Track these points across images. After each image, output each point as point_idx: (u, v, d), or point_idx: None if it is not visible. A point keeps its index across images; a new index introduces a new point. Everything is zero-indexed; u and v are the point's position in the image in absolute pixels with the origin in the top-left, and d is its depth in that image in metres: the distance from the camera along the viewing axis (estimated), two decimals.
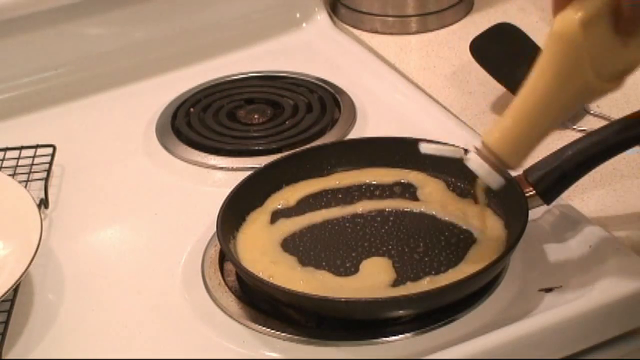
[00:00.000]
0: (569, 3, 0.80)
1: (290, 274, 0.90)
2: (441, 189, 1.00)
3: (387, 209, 0.98)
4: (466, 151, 0.88)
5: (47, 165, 1.09)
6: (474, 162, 0.86)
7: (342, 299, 0.86)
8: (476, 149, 0.86)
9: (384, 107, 1.19)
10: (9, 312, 0.90)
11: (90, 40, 1.28)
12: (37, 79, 1.26)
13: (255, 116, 1.19)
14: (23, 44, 1.24)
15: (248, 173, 1.01)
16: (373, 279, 0.89)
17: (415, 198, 1.00)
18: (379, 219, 0.97)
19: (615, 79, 0.83)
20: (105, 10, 1.27)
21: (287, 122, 1.17)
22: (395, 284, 0.89)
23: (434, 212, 0.97)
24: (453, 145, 0.93)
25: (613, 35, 0.81)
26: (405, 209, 0.98)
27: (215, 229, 0.93)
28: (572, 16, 0.79)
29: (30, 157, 1.11)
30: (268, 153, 1.11)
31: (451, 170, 1.00)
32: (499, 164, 0.86)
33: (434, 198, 0.99)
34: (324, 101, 1.20)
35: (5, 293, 0.87)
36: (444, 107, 1.16)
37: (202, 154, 1.12)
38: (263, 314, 0.89)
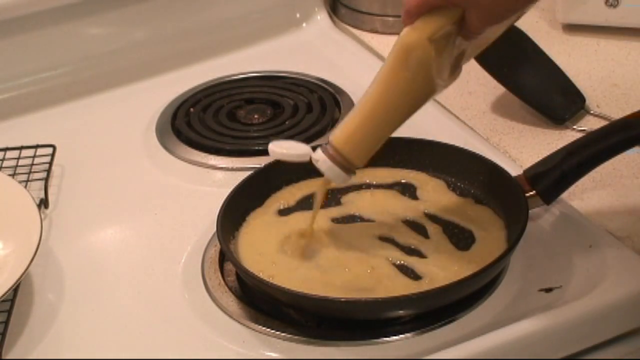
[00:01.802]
0: (417, 18, 0.83)
1: (290, 274, 0.90)
2: (441, 189, 1.00)
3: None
4: (314, 148, 0.90)
5: (47, 165, 1.09)
6: (322, 163, 0.88)
7: (342, 299, 0.86)
8: (322, 146, 0.88)
9: None
10: (9, 312, 0.90)
11: (90, 40, 1.28)
12: (37, 79, 1.26)
13: (255, 116, 1.19)
14: (23, 44, 1.24)
15: (248, 173, 1.01)
16: (373, 278, 0.89)
17: (415, 198, 1.00)
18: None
19: (453, 74, 0.87)
20: (105, 10, 1.27)
21: (287, 122, 1.17)
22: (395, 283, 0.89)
23: (434, 212, 0.97)
24: (302, 145, 0.93)
25: (454, 40, 0.84)
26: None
27: (215, 229, 0.93)
28: (421, 35, 0.83)
29: (30, 157, 1.11)
30: (268, 153, 1.10)
31: (451, 170, 1.00)
32: (345, 163, 0.87)
33: (434, 198, 0.99)
34: (324, 101, 1.20)
35: (5, 293, 0.87)
36: (444, 107, 1.16)
37: (202, 154, 1.12)
38: (263, 314, 0.89)
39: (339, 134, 0.88)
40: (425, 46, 0.83)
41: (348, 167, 0.88)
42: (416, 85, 0.85)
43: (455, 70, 0.87)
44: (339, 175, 0.88)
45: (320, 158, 0.88)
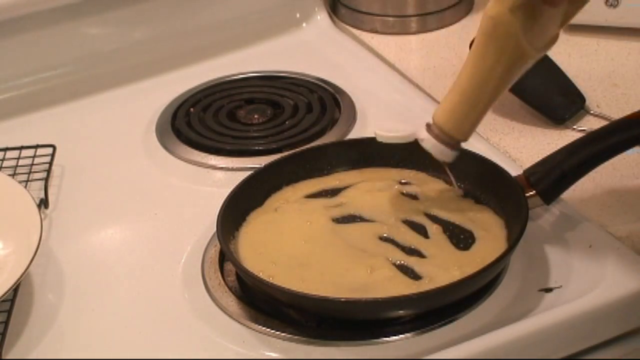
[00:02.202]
0: None
1: (290, 274, 0.90)
2: (441, 189, 1.00)
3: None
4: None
5: (47, 165, 1.09)
6: (427, 142, 0.92)
7: (342, 299, 0.86)
8: (428, 125, 0.92)
9: (384, 107, 1.19)
10: (9, 312, 0.90)
11: (90, 40, 1.28)
12: (37, 79, 1.26)
13: (255, 116, 1.19)
14: (23, 44, 1.24)
15: (248, 173, 1.01)
16: (373, 278, 0.89)
17: (415, 198, 0.99)
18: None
19: (548, 44, 0.89)
20: (105, 10, 1.27)
21: (287, 122, 1.17)
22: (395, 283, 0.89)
23: (434, 212, 0.97)
24: (406, 126, 0.96)
25: (541, 6, 0.86)
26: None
27: (215, 229, 0.93)
28: (503, 5, 0.85)
29: (30, 157, 1.11)
30: (268, 153, 1.11)
31: (451, 170, 1.00)
32: (449, 140, 0.91)
33: (434, 198, 0.99)
34: (324, 101, 1.20)
35: (5, 293, 0.87)
36: None
37: (202, 154, 1.12)
38: (263, 314, 0.89)
39: (440, 113, 0.91)
40: (508, 16, 0.85)
41: (452, 144, 0.91)
42: (507, 56, 0.87)
43: (550, 40, 0.89)
44: (443, 151, 0.92)
45: (425, 137, 0.92)
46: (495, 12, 0.86)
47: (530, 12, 0.86)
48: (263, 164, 1.03)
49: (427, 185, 1.01)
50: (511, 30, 0.86)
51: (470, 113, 0.91)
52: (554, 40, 0.90)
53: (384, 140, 0.96)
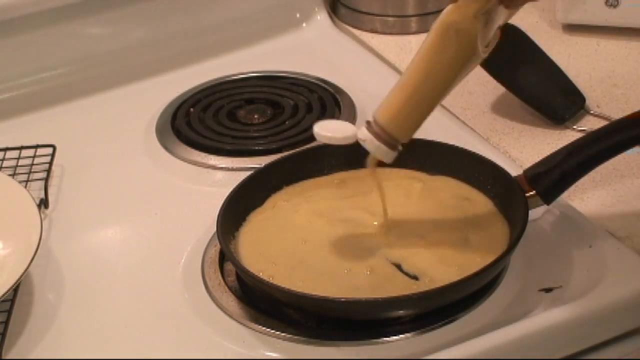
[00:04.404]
0: None
1: (290, 274, 0.90)
2: (441, 189, 1.00)
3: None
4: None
5: (47, 165, 1.09)
6: (370, 143, 0.89)
7: (342, 299, 0.86)
8: (368, 123, 0.89)
9: None
10: (9, 312, 0.90)
11: (90, 40, 1.28)
12: (37, 79, 1.26)
13: (255, 116, 1.19)
14: (23, 44, 1.24)
15: (248, 173, 1.01)
16: (373, 278, 0.89)
17: (415, 198, 0.99)
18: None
19: (491, 43, 0.89)
20: (105, 10, 1.27)
21: (287, 122, 1.17)
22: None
23: (434, 212, 0.97)
24: (347, 125, 0.94)
25: (497, 9, 0.86)
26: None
27: (215, 229, 0.93)
28: (467, 11, 0.85)
29: (30, 157, 1.11)
30: (268, 153, 1.11)
31: (451, 170, 1.00)
32: (390, 140, 0.89)
33: (434, 198, 0.99)
34: (324, 101, 1.20)
35: (5, 293, 0.87)
36: (444, 107, 1.16)
37: (202, 154, 1.12)
38: (263, 314, 0.89)
39: (384, 112, 0.89)
40: (471, 22, 0.85)
41: (393, 144, 0.89)
42: (462, 60, 0.87)
43: (494, 36, 0.89)
44: (386, 153, 0.89)
45: (367, 138, 0.89)
46: (457, 18, 0.85)
47: (488, 16, 0.86)
48: (263, 164, 1.03)
49: (427, 184, 1.00)
50: (472, 33, 0.86)
51: (415, 113, 0.89)
52: (496, 38, 0.90)
53: (324, 141, 0.93)
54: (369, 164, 0.92)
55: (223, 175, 1.10)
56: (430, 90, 0.88)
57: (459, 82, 0.89)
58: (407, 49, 1.31)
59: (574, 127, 1.10)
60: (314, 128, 0.92)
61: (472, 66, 0.89)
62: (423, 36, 1.32)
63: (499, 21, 0.88)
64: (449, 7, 0.86)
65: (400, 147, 0.90)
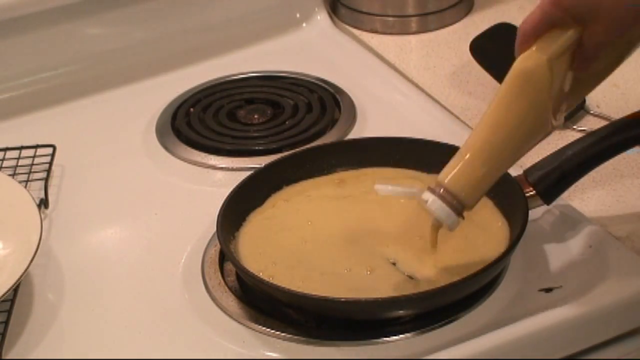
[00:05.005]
0: (535, 41, 0.81)
1: (290, 274, 0.90)
2: None
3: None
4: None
5: (47, 165, 1.09)
6: (433, 203, 0.85)
7: (342, 299, 0.86)
8: (430, 189, 0.85)
9: (384, 107, 1.19)
10: (9, 312, 0.90)
11: (90, 40, 1.28)
12: (37, 79, 1.26)
13: (255, 116, 1.19)
14: (23, 44, 1.24)
15: (248, 173, 1.01)
16: (373, 278, 0.89)
17: (415, 198, 0.99)
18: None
19: (560, 117, 0.85)
20: (105, 10, 1.27)
21: (287, 122, 1.17)
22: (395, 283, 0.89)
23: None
24: (409, 187, 0.93)
25: (569, 72, 0.83)
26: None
27: (215, 229, 0.93)
28: (541, 56, 0.81)
29: (30, 157, 1.11)
30: (268, 153, 1.11)
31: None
32: (457, 204, 0.85)
33: None
34: (324, 101, 1.20)
35: (5, 293, 0.87)
36: (444, 107, 1.16)
37: (202, 154, 1.12)
38: (263, 314, 0.89)
39: (452, 175, 0.85)
40: (544, 66, 0.81)
41: (459, 209, 0.85)
42: (532, 116, 0.83)
43: (563, 114, 0.85)
44: (449, 215, 0.85)
45: (429, 198, 0.85)
46: (531, 63, 0.81)
47: (562, 67, 0.82)
48: (263, 164, 1.03)
49: (427, 184, 1.00)
50: (545, 81, 0.81)
51: (485, 180, 0.85)
52: (562, 116, 0.85)
53: (386, 194, 0.93)
54: (431, 232, 0.89)
55: (223, 175, 1.10)
56: (500, 152, 0.84)
57: (530, 147, 0.85)
58: (407, 49, 1.31)
59: (574, 127, 1.10)
60: (375, 186, 0.93)
61: (541, 128, 0.83)
62: (423, 36, 1.34)
63: (567, 85, 0.84)
64: (522, 55, 0.82)
65: (463, 216, 0.86)
